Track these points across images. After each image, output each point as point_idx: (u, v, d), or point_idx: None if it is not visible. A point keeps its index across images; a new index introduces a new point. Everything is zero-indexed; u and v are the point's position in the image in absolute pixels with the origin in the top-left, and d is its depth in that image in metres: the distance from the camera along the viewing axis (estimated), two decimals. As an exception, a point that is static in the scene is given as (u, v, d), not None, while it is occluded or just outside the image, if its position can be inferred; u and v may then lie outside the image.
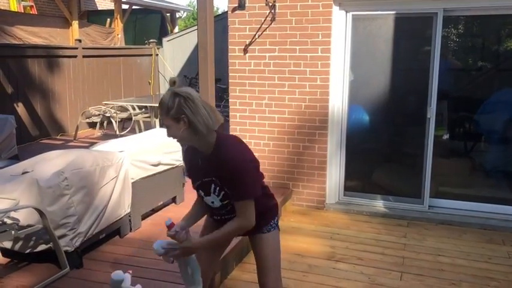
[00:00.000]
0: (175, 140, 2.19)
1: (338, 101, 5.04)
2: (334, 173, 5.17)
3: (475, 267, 3.85)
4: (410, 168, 5.16)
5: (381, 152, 5.32)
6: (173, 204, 4.77)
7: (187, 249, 2.25)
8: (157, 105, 7.86)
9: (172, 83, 2.19)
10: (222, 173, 2.17)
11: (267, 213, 2.43)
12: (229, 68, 5.28)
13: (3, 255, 3.44)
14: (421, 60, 4.86)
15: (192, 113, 2.08)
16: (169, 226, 2.25)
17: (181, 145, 2.28)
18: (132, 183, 3.94)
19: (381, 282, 3.60)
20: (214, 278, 3.35)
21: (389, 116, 5.17)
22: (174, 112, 2.08)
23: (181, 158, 4.71)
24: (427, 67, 4.74)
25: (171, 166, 4.53)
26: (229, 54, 5.26)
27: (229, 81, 5.32)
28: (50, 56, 8.59)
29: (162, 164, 4.36)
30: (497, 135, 5.17)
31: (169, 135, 2.17)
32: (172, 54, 11.92)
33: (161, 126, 8.14)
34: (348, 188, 5.25)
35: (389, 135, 5.27)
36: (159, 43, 11.97)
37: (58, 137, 8.60)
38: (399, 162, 5.36)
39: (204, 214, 2.50)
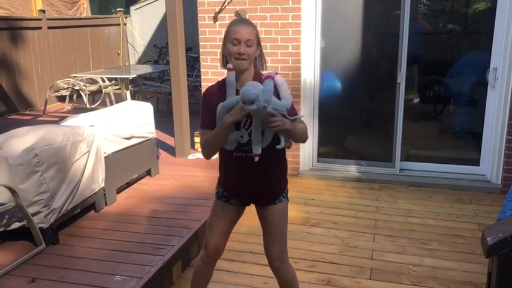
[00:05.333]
0: (242, 59, 2.19)
1: (310, 69, 5.04)
2: (308, 140, 5.21)
3: (444, 226, 4.01)
4: (381, 133, 5.26)
5: (353, 117, 5.38)
6: (148, 176, 4.77)
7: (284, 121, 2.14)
8: (127, 76, 7.75)
9: (238, 14, 2.31)
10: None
11: (285, 176, 2.49)
12: (200, 37, 5.19)
13: (-24, 235, 3.40)
14: (392, 24, 4.88)
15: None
16: None
17: (241, 66, 2.22)
18: (105, 157, 3.91)
19: (354, 245, 3.71)
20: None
21: (360, 82, 5.21)
22: (259, 38, 2.27)
23: (153, 130, 4.68)
24: (397, 31, 4.76)
25: (144, 139, 4.49)
26: (199, 22, 5.16)
27: (200, 50, 5.25)
28: (13, 28, 8.26)
29: (135, 137, 4.33)
30: (465, 98, 5.29)
31: (245, 51, 2.18)
32: (141, 23, 11.63)
33: (132, 98, 8.04)
34: (322, 155, 5.32)
35: (361, 101, 5.33)
36: (127, 12, 11.65)
37: (26, 112, 8.39)
38: (371, 127, 5.45)
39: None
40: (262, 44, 2.36)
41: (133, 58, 11.77)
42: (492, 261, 1.73)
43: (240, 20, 2.26)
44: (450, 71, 5.15)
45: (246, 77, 2.27)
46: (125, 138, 4.18)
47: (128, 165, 4.29)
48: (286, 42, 4.91)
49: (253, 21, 5.27)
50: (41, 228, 3.22)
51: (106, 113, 4.29)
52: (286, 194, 2.50)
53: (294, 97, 5.01)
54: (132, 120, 4.33)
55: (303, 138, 2.37)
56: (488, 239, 1.64)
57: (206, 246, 2.50)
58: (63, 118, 4.18)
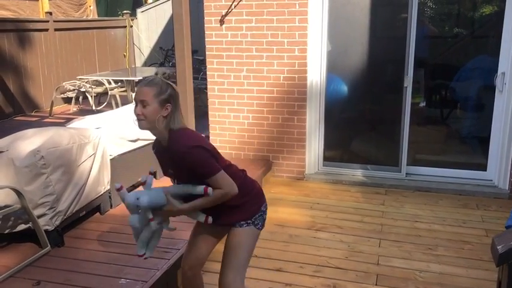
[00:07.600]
0: (139, 120, 2.19)
1: (316, 72, 5.03)
2: (314, 144, 5.21)
3: (450, 232, 3.97)
4: (388, 137, 5.23)
5: (359, 121, 5.36)
6: (153, 179, 4.75)
7: (171, 212, 2.27)
8: (133, 78, 7.76)
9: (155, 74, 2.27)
10: (180, 163, 2.21)
11: (247, 204, 2.37)
12: (206, 40, 5.19)
13: (-19, 236, 3.40)
14: (399, 28, 4.86)
15: (176, 108, 2.24)
16: (119, 189, 2.23)
17: (140, 127, 2.24)
18: (111, 159, 3.91)
19: (360, 250, 3.68)
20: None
21: (367, 86, 5.19)
22: (164, 97, 2.18)
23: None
24: (404, 35, 4.74)
25: (150, 141, 4.48)
26: (206, 25, 5.16)
27: (206, 53, 5.24)
28: (20, 30, 8.30)
29: (141, 140, 4.32)
30: (472, 102, 5.26)
31: (140, 112, 2.16)
32: (147, 26, 11.65)
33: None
34: (327, 158, 5.30)
35: (367, 104, 5.30)
36: (133, 14, 11.68)
37: (33, 114, 8.41)
38: (377, 131, 5.42)
39: None
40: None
41: (139, 60, 11.79)
42: (502, 269, 1.71)
43: (143, 80, 2.23)
44: (457, 75, 5.12)
45: (162, 137, 2.26)
46: (130, 141, 4.18)
47: (133, 167, 4.29)
48: (293, 46, 4.90)
49: (260, 25, 5.30)
50: (46, 231, 3.21)
51: (112, 115, 4.29)
52: (254, 223, 2.37)
53: (300, 100, 5.01)
54: (138, 122, 4.32)
55: (218, 202, 2.24)
56: (498, 247, 1.62)
57: (183, 262, 2.53)
58: (69, 120, 4.18)
